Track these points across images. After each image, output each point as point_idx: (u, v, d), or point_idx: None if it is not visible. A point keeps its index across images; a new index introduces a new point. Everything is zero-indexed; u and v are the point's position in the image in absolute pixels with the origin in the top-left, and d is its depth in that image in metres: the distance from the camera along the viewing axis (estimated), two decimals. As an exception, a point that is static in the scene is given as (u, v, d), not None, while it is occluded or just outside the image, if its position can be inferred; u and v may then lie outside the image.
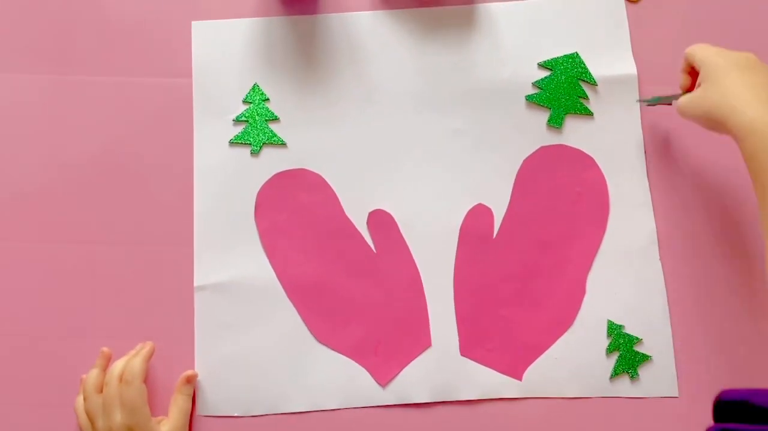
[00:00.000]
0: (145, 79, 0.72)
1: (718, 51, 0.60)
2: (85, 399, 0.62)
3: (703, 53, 0.60)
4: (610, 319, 0.67)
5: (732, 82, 0.57)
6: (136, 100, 0.72)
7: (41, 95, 0.72)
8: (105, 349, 0.65)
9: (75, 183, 0.70)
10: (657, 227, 0.69)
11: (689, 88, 0.64)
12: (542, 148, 0.70)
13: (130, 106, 0.72)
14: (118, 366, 0.63)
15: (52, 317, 0.68)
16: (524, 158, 0.70)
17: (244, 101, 0.71)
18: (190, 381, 0.65)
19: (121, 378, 0.62)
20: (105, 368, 0.64)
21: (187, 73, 0.72)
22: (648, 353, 0.66)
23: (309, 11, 0.73)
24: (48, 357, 0.67)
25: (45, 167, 0.71)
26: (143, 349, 0.64)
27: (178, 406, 0.64)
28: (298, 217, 0.70)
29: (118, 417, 0.60)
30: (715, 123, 0.57)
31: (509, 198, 0.70)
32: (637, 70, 0.71)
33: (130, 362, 0.63)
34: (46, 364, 0.67)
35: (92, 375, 0.63)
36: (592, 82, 0.71)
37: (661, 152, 0.70)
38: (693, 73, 0.63)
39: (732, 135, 0.56)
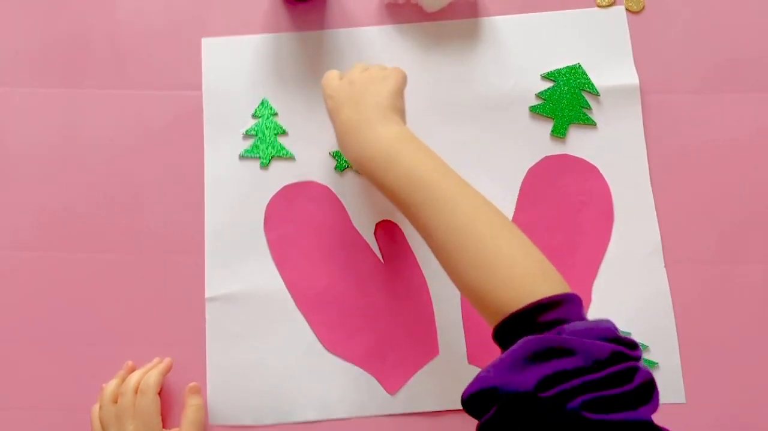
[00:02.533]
0: (156, 92, 0.73)
1: (329, 93, 0.62)
2: (100, 408, 0.63)
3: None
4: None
5: (339, 125, 0.60)
6: (147, 113, 0.73)
7: (55, 109, 0.73)
8: (129, 362, 0.67)
9: (87, 195, 0.72)
10: (661, 235, 0.69)
11: None
12: (546, 158, 0.71)
13: (142, 119, 0.73)
14: (134, 377, 0.64)
15: (65, 326, 0.69)
16: (529, 167, 0.71)
17: (253, 116, 0.73)
18: (195, 391, 0.66)
19: (136, 390, 0.63)
20: (125, 379, 0.65)
21: (198, 86, 0.73)
22: (655, 360, 0.66)
23: (315, 11, 0.75)
24: (61, 364, 0.68)
25: (58, 180, 0.72)
26: (161, 364, 0.66)
27: (187, 418, 0.64)
28: (306, 228, 0.70)
29: (130, 428, 0.61)
30: (360, 171, 0.60)
31: (514, 208, 0.70)
32: (640, 80, 0.72)
33: (146, 374, 0.64)
34: (59, 371, 0.68)
35: (111, 385, 0.64)
36: (595, 93, 0.72)
37: (665, 160, 0.71)
38: None
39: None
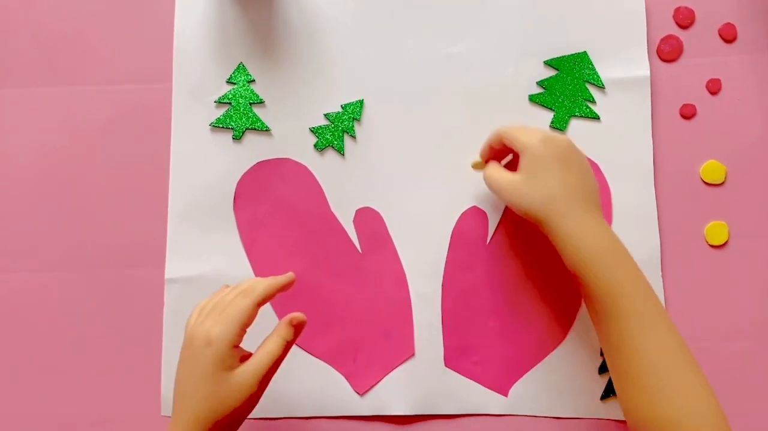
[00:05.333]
0: (89, 88, 0.68)
1: (544, 137, 0.58)
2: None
3: (526, 136, 0.58)
4: (604, 337, 0.64)
5: (555, 181, 0.57)
6: (83, 112, 0.68)
7: None
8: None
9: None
10: (661, 240, 0.65)
11: (488, 160, 0.63)
12: (544, 151, 0.66)
13: (78, 117, 0.68)
14: (249, 281, 0.56)
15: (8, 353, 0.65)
16: (524, 160, 0.66)
17: (228, 81, 0.67)
18: (295, 325, 0.55)
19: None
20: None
21: (168, 47, 0.68)
22: (642, 374, 0.63)
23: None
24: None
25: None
26: (280, 277, 0.56)
27: (266, 347, 0.54)
28: (280, 210, 0.66)
29: (209, 322, 0.53)
30: (534, 220, 0.58)
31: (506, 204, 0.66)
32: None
33: (257, 280, 0.56)
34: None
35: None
36: (600, 85, 0.67)
37: (673, 161, 0.67)
38: (501, 150, 0.62)
39: (551, 239, 0.57)
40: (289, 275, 0.57)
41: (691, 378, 0.52)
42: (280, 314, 0.64)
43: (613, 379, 0.55)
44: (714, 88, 0.67)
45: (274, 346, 0.53)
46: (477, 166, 0.64)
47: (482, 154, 0.63)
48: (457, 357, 0.64)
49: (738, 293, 0.65)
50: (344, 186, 0.66)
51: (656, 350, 0.52)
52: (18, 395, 0.64)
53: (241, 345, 0.53)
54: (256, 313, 0.53)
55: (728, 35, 0.67)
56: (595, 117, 0.67)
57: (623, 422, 0.63)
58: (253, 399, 0.53)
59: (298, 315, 0.55)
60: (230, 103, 0.67)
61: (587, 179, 0.58)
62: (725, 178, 0.66)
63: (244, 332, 0.53)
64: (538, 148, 0.57)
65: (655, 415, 0.51)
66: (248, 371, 0.52)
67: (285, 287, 0.56)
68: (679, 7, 0.68)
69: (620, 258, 0.55)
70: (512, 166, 0.61)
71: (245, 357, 0.54)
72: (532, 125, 0.61)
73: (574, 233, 0.55)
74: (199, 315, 0.55)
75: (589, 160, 0.65)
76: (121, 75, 0.68)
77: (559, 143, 0.58)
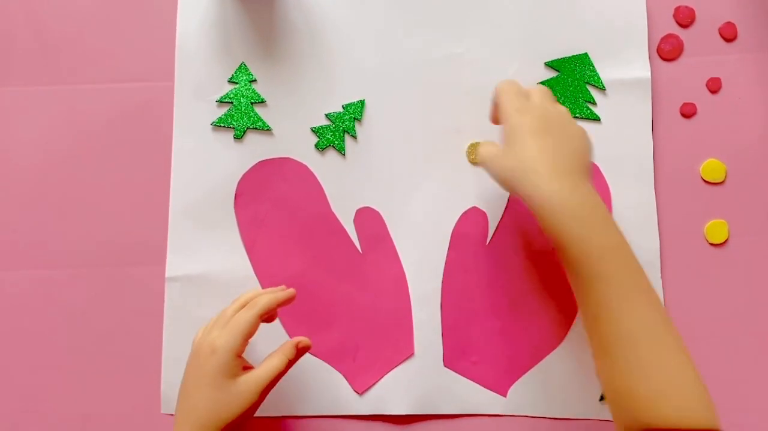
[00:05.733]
0: (90, 87, 0.68)
1: (520, 107, 0.56)
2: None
3: (505, 106, 0.56)
4: (604, 338, 0.63)
5: (529, 149, 0.54)
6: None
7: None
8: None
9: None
10: (661, 243, 0.65)
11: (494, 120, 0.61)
12: (544, 152, 0.66)
13: (83, 116, 0.68)
14: (251, 292, 0.59)
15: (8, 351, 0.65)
16: (525, 161, 0.66)
17: (230, 81, 0.67)
18: (300, 348, 0.57)
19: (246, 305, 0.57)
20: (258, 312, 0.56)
21: (170, 47, 0.68)
22: (641, 376, 0.63)
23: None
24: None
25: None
26: (282, 291, 0.58)
27: (270, 362, 0.55)
28: (280, 209, 0.66)
29: (214, 333, 0.55)
30: (512, 190, 0.56)
31: (506, 203, 0.66)
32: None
33: (261, 293, 0.58)
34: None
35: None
36: (601, 87, 0.67)
37: (673, 160, 0.66)
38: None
39: (529, 207, 0.54)
40: (290, 292, 0.58)
41: (670, 353, 0.50)
42: (281, 315, 0.64)
43: (592, 352, 0.53)
44: (714, 87, 0.66)
45: (278, 362, 0.55)
46: (471, 148, 0.64)
47: (491, 114, 0.61)
48: (456, 357, 0.64)
49: (738, 292, 0.65)
50: (345, 186, 0.66)
51: (634, 319, 0.50)
52: (17, 393, 0.64)
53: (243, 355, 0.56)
54: (258, 324, 0.56)
55: (728, 34, 0.67)
56: (596, 119, 0.66)
57: (623, 423, 0.63)
58: (253, 408, 0.55)
59: (305, 340, 0.57)
60: (232, 103, 0.67)
61: (568, 143, 0.56)
62: (725, 177, 0.66)
63: (247, 342, 0.55)
64: (513, 116, 0.56)
65: (629, 388, 0.49)
66: (251, 380, 0.54)
67: (285, 303, 0.58)
68: (680, 6, 0.67)
69: (602, 222, 0.53)
70: None
71: (247, 368, 0.56)
72: (520, 85, 0.58)
73: (548, 194, 0.52)
74: (204, 330, 0.57)
75: (590, 161, 0.66)
76: (124, 74, 0.68)
77: (534, 110, 0.56)
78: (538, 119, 0.55)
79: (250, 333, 0.55)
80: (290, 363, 0.56)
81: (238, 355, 0.54)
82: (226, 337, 0.54)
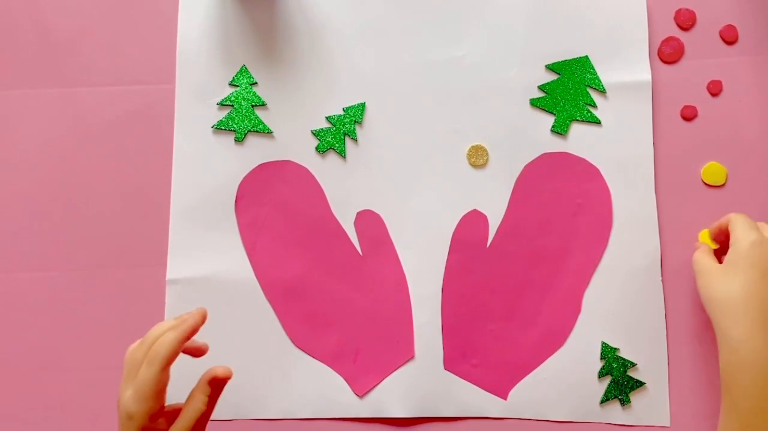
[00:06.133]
0: (97, 89, 0.68)
1: (757, 240, 0.56)
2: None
3: (740, 233, 0.56)
4: (605, 341, 0.63)
5: (740, 285, 0.54)
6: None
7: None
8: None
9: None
10: (661, 247, 0.65)
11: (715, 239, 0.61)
12: (545, 154, 0.66)
13: (85, 118, 0.68)
14: (150, 337, 0.51)
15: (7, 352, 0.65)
16: (525, 164, 0.66)
17: (231, 84, 0.67)
18: (214, 385, 0.51)
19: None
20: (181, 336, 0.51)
21: (171, 49, 0.68)
22: (642, 379, 0.63)
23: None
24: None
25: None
26: (185, 323, 0.51)
27: (191, 406, 0.50)
28: (281, 212, 0.66)
29: (128, 392, 0.50)
30: (707, 308, 0.56)
31: (506, 205, 0.66)
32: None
33: (161, 337, 0.50)
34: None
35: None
36: (601, 90, 0.66)
37: (673, 163, 0.66)
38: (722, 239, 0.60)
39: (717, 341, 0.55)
40: (197, 314, 0.52)
41: None
42: (280, 315, 0.64)
43: None
44: (715, 89, 0.66)
45: (198, 404, 0.50)
46: (703, 237, 0.63)
47: (712, 231, 0.61)
48: (456, 360, 0.64)
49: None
50: (345, 188, 0.66)
51: None
52: (18, 394, 0.65)
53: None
54: (168, 376, 0.50)
55: (729, 37, 0.67)
56: (596, 122, 0.66)
57: (622, 426, 0.62)
58: None
59: (220, 372, 0.51)
60: (233, 106, 0.67)
61: None
62: (726, 179, 0.66)
63: (162, 397, 0.50)
64: (745, 247, 0.55)
65: None
66: None
67: (194, 331, 0.51)
68: (680, 9, 0.67)
69: None
70: None
71: (176, 411, 0.51)
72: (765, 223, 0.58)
73: (731, 339, 0.53)
74: (124, 372, 0.51)
75: (590, 163, 0.66)
76: (125, 77, 0.68)
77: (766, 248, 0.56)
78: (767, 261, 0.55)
79: (160, 389, 0.49)
80: (211, 399, 0.51)
81: (156, 412, 0.49)
82: (137, 404, 0.49)
